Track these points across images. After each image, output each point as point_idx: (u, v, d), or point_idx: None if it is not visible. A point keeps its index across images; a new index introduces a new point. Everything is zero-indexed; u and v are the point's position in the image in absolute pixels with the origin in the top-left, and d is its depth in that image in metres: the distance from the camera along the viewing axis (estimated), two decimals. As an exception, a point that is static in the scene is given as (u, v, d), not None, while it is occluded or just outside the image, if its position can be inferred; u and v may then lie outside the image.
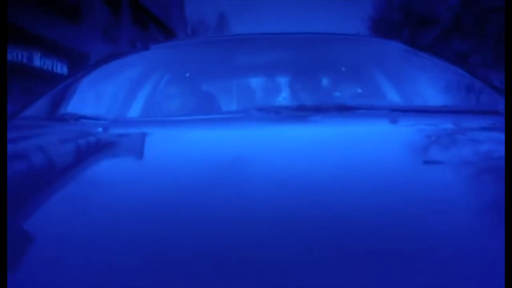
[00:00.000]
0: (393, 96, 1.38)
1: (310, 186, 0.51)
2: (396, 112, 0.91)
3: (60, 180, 0.58)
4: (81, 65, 8.64)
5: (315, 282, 0.33)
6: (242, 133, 0.80)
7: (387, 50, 1.47)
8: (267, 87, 1.73)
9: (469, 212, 0.45)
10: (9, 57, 8.70)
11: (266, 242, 0.39)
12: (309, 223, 0.42)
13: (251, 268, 0.35)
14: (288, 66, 1.55)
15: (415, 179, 0.54)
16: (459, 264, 0.36)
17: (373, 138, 0.73)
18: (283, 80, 1.63)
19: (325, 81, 1.56)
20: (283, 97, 1.55)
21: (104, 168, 0.64)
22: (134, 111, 1.36)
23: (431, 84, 1.34)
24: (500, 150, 0.61)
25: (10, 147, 0.66)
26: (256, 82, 1.81)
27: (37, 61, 10.03)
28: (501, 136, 0.67)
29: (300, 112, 0.88)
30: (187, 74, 1.54)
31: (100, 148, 0.77)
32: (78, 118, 0.95)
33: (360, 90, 1.46)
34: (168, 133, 0.83)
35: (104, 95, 1.38)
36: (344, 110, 0.88)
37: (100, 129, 0.85)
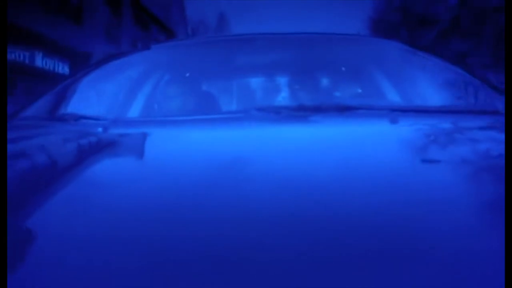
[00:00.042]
0: (393, 96, 1.38)
1: (310, 186, 0.51)
2: (396, 112, 0.91)
3: (60, 180, 0.58)
4: (82, 65, 8.66)
5: (315, 282, 0.33)
6: (242, 133, 0.80)
7: (387, 50, 1.47)
8: (267, 87, 1.73)
9: (468, 212, 0.45)
10: (11, 57, 8.73)
11: (266, 242, 0.39)
12: (309, 223, 0.42)
13: (251, 268, 0.35)
14: (288, 66, 1.55)
15: (415, 179, 0.54)
16: (459, 264, 0.36)
17: (373, 138, 0.73)
18: (283, 80, 1.63)
19: (325, 81, 1.56)
20: (283, 97, 1.55)
21: (104, 168, 0.64)
22: (134, 111, 1.35)
23: (431, 84, 1.34)
24: (499, 148, 0.61)
25: (10, 147, 0.65)
26: (256, 82, 1.81)
27: (39, 61, 10.06)
28: (501, 135, 0.67)
29: (300, 112, 0.88)
30: (187, 74, 1.54)
31: (100, 148, 0.77)
32: (78, 118, 0.95)
33: (360, 90, 1.46)
34: (168, 133, 0.83)
35: (104, 95, 1.38)
36: (344, 110, 0.88)
37: (100, 129, 0.85)
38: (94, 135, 0.83)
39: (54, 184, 0.56)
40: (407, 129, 0.82)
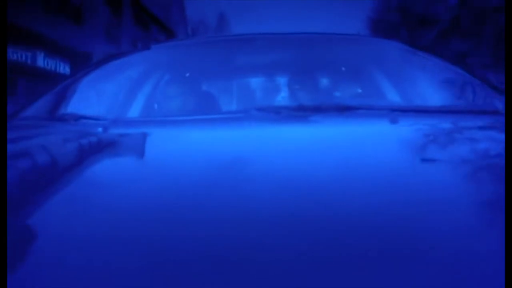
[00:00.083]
0: (393, 96, 1.38)
1: (310, 186, 0.51)
2: (396, 112, 0.91)
3: (60, 180, 0.58)
4: (83, 65, 8.67)
5: (315, 282, 0.33)
6: (242, 133, 0.80)
7: (387, 50, 1.47)
8: (267, 87, 1.73)
9: (468, 212, 0.45)
10: (13, 57, 8.75)
11: (266, 242, 0.39)
12: (309, 223, 0.42)
13: (251, 268, 0.35)
14: (288, 66, 1.55)
15: (415, 179, 0.54)
16: (459, 264, 0.36)
17: (373, 138, 0.73)
18: (283, 80, 1.63)
19: (325, 81, 1.56)
20: (283, 97, 1.55)
21: (104, 168, 0.64)
22: (134, 111, 1.35)
23: (431, 84, 1.34)
24: (499, 148, 0.61)
25: (10, 147, 0.65)
26: (256, 82, 1.81)
27: (41, 61, 10.08)
28: (501, 135, 0.68)
29: (300, 112, 0.88)
30: (187, 74, 1.54)
31: (100, 148, 0.77)
32: (78, 118, 0.95)
33: (360, 90, 1.46)
34: (168, 133, 0.83)
35: (104, 95, 1.38)
36: (344, 110, 0.88)
37: (100, 129, 0.85)
38: (94, 135, 0.83)
39: (54, 184, 0.56)
40: (407, 129, 0.82)
